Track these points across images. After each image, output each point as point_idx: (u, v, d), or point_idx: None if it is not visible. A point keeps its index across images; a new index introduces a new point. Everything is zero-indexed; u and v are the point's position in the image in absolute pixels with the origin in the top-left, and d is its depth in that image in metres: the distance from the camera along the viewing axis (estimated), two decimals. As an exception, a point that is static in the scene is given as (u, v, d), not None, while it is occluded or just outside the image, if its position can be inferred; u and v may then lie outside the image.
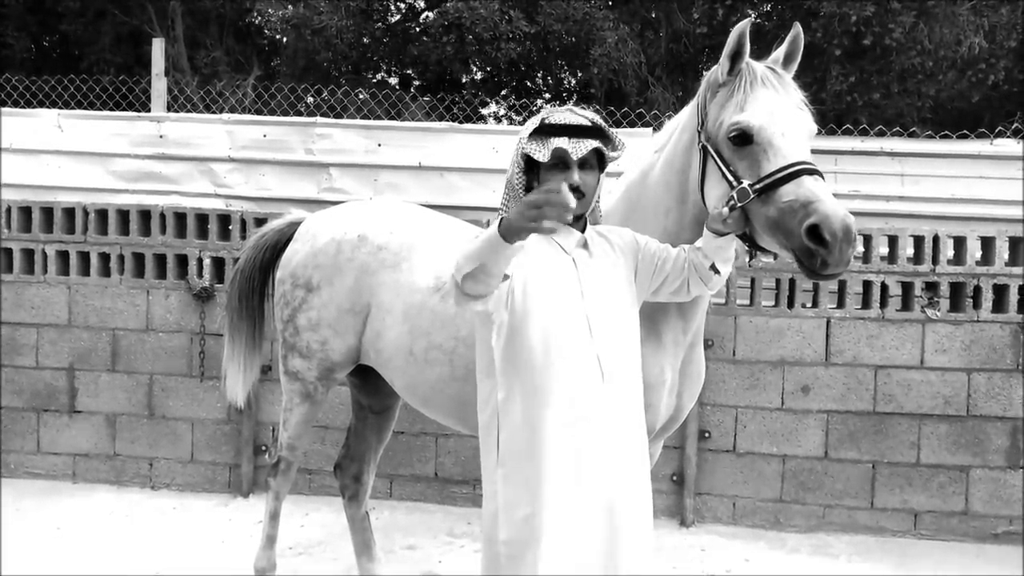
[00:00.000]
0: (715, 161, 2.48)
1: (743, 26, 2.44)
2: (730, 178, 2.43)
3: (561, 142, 2.39)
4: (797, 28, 2.56)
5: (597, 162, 2.50)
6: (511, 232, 2.03)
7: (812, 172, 2.31)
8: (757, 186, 2.34)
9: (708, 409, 5.19)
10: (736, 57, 2.48)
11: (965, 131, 6.37)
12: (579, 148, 2.39)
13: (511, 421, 2.41)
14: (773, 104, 2.42)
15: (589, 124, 2.45)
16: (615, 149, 2.54)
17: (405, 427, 5.34)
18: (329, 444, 5.36)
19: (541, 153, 2.41)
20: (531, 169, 2.51)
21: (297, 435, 3.64)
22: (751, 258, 2.61)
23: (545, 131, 2.44)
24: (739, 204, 2.38)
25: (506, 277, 2.25)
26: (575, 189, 2.39)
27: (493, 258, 2.12)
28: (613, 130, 2.52)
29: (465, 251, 2.18)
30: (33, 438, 5.64)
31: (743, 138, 2.40)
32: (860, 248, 5.19)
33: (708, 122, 2.53)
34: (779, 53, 2.58)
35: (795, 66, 2.59)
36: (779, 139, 2.36)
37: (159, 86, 6.71)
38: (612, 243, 2.59)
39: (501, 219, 2.07)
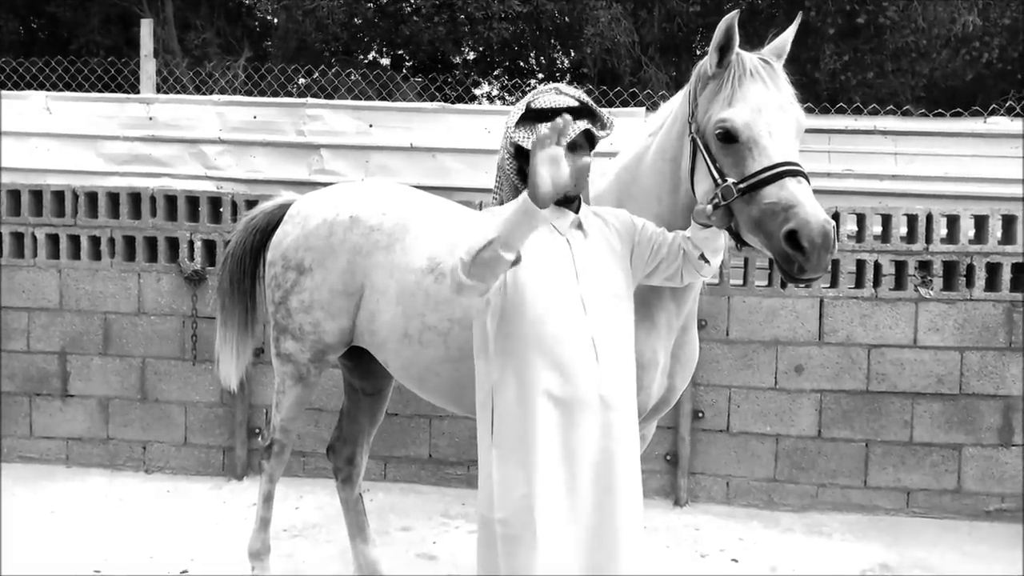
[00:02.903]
0: (703, 155, 2.46)
1: (731, 18, 2.38)
2: (715, 175, 2.40)
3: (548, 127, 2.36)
4: (799, 19, 2.54)
5: (587, 141, 2.48)
6: (540, 195, 2.07)
7: (796, 174, 2.27)
8: (741, 185, 2.31)
9: (702, 389, 5.20)
10: (724, 49, 2.43)
11: (959, 109, 6.34)
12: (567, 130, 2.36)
13: (505, 401, 2.42)
14: (761, 100, 2.38)
15: (576, 104, 2.43)
16: (603, 128, 2.50)
17: (399, 409, 5.34)
18: (323, 427, 5.36)
19: (529, 140, 2.38)
20: (521, 154, 2.50)
21: (290, 418, 3.62)
22: (739, 250, 2.60)
23: (532, 116, 2.43)
24: (723, 202, 2.36)
25: (516, 262, 2.22)
26: None
27: (520, 230, 2.13)
28: (601, 108, 2.49)
29: (485, 232, 2.16)
30: (26, 422, 5.62)
31: (729, 135, 2.37)
32: (853, 227, 5.19)
33: (698, 114, 2.50)
34: (781, 41, 2.54)
35: (786, 53, 2.56)
36: (765, 138, 2.33)
37: (148, 67, 6.66)
38: (608, 223, 2.58)
39: (527, 189, 2.10)
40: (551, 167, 2.06)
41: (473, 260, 2.17)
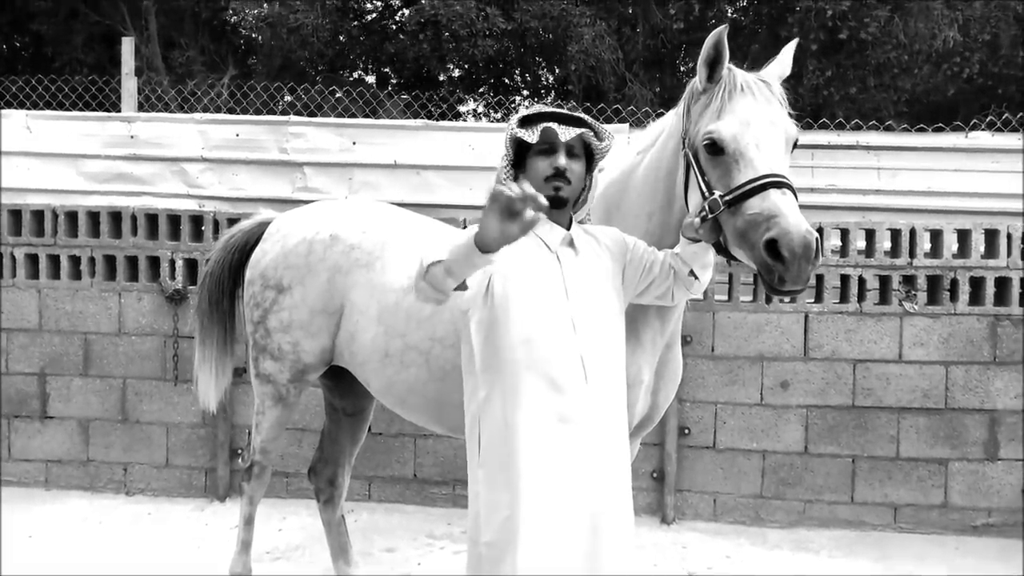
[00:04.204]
0: (693, 169, 2.45)
1: (719, 33, 2.38)
2: (703, 188, 2.39)
3: (550, 125, 2.40)
4: (794, 44, 2.56)
5: (585, 154, 2.49)
6: (486, 242, 2.01)
7: (780, 185, 2.26)
8: (727, 197, 2.30)
9: (688, 405, 5.17)
10: (714, 64, 2.43)
11: (941, 124, 6.37)
12: (567, 132, 2.40)
13: (491, 421, 2.39)
14: (750, 113, 2.37)
15: (577, 116, 2.47)
16: (601, 140, 2.52)
17: (383, 428, 5.30)
18: (306, 447, 5.30)
19: (530, 135, 2.40)
20: (518, 163, 2.50)
21: (270, 438, 3.58)
22: (729, 265, 2.59)
23: (534, 119, 2.44)
24: (710, 215, 2.34)
25: (462, 287, 2.20)
26: (560, 174, 2.40)
27: (461, 265, 2.11)
28: (599, 125, 2.51)
29: (442, 247, 2.16)
30: (4, 445, 5.54)
31: (716, 147, 2.36)
32: (837, 242, 5.19)
33: (690, 128, 2.49)
34: (784, 69, 2.54)
35: (785, 73, 2.56)
36: (752, 151, 2.31)
37: (129, 85, 6.62)
38: (599, 241, 2.56)
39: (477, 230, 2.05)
40: (504, 219, 1.97)
41: (426, 272, 2.17)
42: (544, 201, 1.96)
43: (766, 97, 2.42)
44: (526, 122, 2.46)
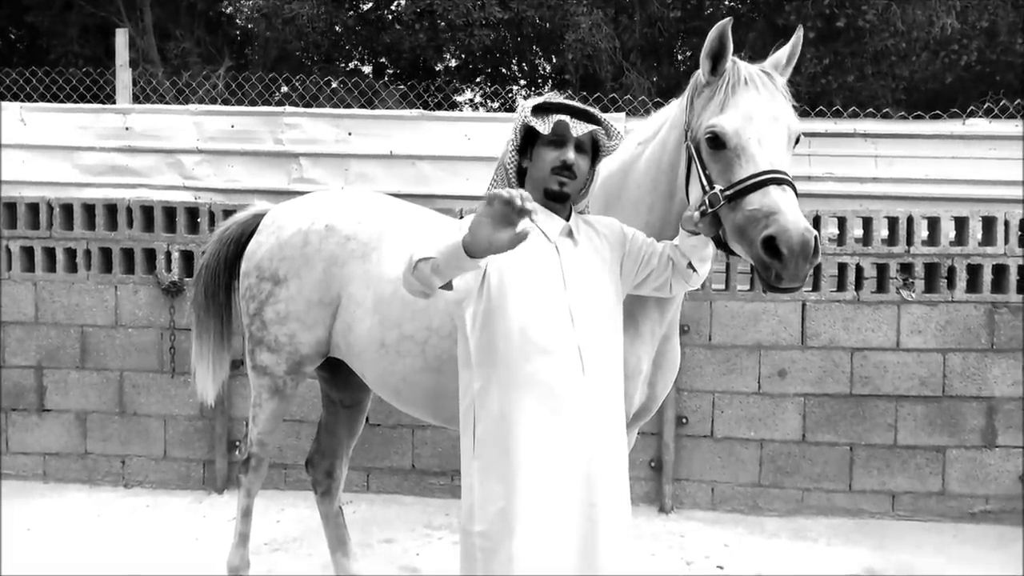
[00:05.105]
0: (695, 162, 2.43)
1: (722, 26, 2.35)
2: (704, 182, 2.38)
3: (563, 118, 2.39)
4: (800, 33, 2.53)
5: (591, 151, 2.50)
6: (474, 247, 2.02)
7: (780, 182, 2.24)
8: (727, 192, 2.29)
9: (685, 395, 5.17)
10: (717, 57, 2.41)
11: (938, 112, 6.35)
12: (580, 127, 2.39)
13: (487, 412, 2.38)
14: (753, 108, 2.35)
15: (589, 111, 2.47)
16: (611, 139, 2.52)
17: (381, 419, 5.30)
18: (304, 438, 5.30)
19: (543, 126, 2.38)
20: (524, 150, 2.49)
21: (267, 431, 3.57)
22: (728, 259, 2.58)
23: (547, 109, 2.44)
24: (710, 209, 2.33)
25: (448, 287, 2.22)
26: (567, 168, 2.40)
27: (448, 266, 2.12)
28: (611, 123, 2.50)
29: (434, 243, 2.16)
30: (2, 438, 5.54)
31: (718, 141, 2.34)
32: (835, 230, 5.18)
33: (693, 120, 2.48)
34: (782, 54, 2.52)
35: (791, 67, 2.53)
36: (753, 146, 2.30)
37: (124, 77, 6.58)
38: (598, 232, 2.55)
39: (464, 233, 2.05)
40: (496, 226, 1.99)
41: (414, 268, 2.19)
42: (536, 209, 1.96)
43: (770, 91, 2.40)
44: (539, 110, 2.44)
